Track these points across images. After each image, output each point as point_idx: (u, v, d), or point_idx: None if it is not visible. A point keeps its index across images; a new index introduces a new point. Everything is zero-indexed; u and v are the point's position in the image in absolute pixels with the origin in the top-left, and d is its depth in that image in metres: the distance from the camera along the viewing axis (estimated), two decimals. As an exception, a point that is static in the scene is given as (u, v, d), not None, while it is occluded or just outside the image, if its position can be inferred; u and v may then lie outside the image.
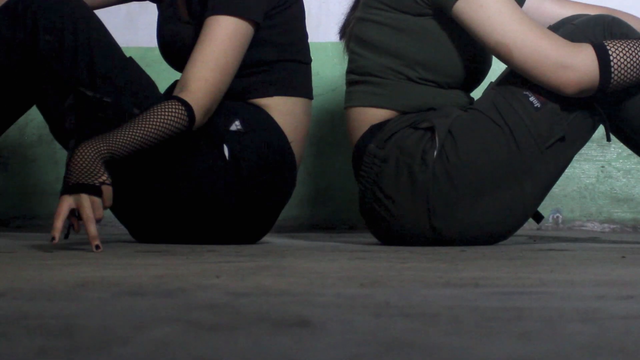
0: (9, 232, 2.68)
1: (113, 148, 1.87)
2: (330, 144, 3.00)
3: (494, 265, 1.47)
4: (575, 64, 1.97)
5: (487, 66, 2.17)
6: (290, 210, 2.78)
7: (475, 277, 1.23)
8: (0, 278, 1.20)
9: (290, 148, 2.08)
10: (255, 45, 2.06)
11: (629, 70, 1.98)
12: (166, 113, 1.91)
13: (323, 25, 2.89)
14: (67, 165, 1.85)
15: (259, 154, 2.04)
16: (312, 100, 2.20)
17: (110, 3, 2.30)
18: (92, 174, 1.83)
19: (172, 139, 1.93)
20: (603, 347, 0.70)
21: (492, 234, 2.07)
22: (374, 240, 2.15)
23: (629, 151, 2.72)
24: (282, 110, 2.10)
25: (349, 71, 2.19)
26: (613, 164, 2.99)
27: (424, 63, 2.09)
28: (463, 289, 1.09)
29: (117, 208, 2.08)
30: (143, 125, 1.89)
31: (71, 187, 1.81)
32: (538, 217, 2.16)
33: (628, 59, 1.97)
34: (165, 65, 2.25)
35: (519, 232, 2.32)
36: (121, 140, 1.88)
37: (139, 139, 1.89)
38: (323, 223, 3.02)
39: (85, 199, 1.80)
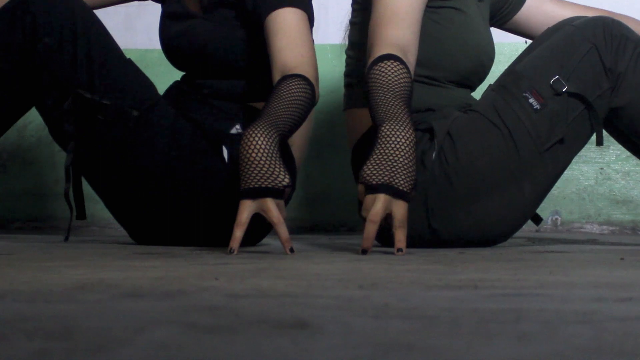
0: (7, 234, 2.68)
1: (282, 132, 1.77)
2: (329, 146, 3.00)
3: (492, 267, 1.47)
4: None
5: (486, 58, 2.15)
6: (289, 212, 2.77)
7: (474, 279, 1.23)
8: (-1, 280, 1.20)
9: (290, 151, 2.08)
10: (255, 48, 2.06)
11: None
12: (295, 86, 1.84)
13: (322, 28, 2.90)
14: (242, 158, 1.72)
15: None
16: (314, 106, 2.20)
17: (110, 3, 2.30)
18: (275, 174, 1.71)
19: (306, 114, 1.85)
20: (602, 348, 0.70)
21: (491, 236, 2.07)
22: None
23: (628, 153, 2.72)
24: None
25: (346, 74, 2.20)
26: (612, 165, 3.00)
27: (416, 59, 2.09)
28: (462, 290, 1.09)
29: (117, 210, 2.08)
30: (289, 103, 1.81)
31: (253, 191, 1.70)
32: (537, 219, 2.16)
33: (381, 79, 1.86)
34: (163, 67, 2.25)
35: (517, 233, 2.32)
36: (284, 121, 1.78)
37: (295, 116, 1.81)
38: (322, 225, 3.02)
39: (271, 203, 1.70)
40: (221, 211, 2.01)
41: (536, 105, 2.01)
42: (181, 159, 1.99)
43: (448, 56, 2.10)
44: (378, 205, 1.70)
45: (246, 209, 1.71)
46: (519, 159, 2.01)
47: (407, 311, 0.90)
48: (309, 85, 1.87)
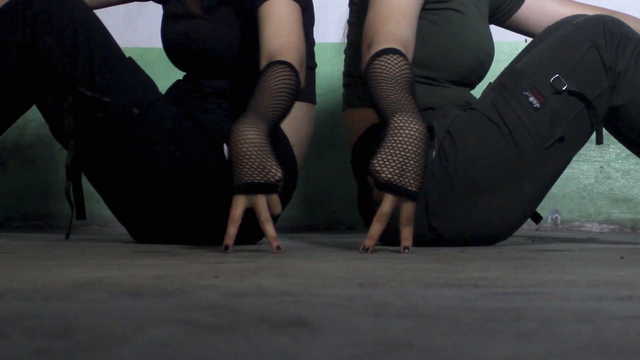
0: (7, 232, 2.68)
1: (270, 123, 1.77)
2: (329, 145, 3.00)
3: (492, 265, 1.47)
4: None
5: (485, 56, 2.15)
6: (289, 211, 2.78)
7: (474, 278, 1.23)
8: (-1, 278, 1.20)
9: (291, 151, 2.08)
10: (257, 47, 2.06)
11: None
12: (280, 74, 1.84)
13: (322, 26, 2.90)
14: (233, 153, 1.72)
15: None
16: (315, 105, 2.20)
17: (111, 3, 2.30)
18: (267, 169, 1.71)
19: (292, 101, 1.85)
20: (601, 347, 0.70)
21: (491, 235, 2.07)
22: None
23: (628, 152, 2.72)
24: None
25: (345, 74, 2.20)
26: (612, 164, 3.00)
27: (414, 60, 2.09)
28: (462, 289, 1.09)
29: (117, 208, 2.08)
30: (274, 92, 1.81)
31: (246, 187, 1.70)
32: (537, 218, 2.16)
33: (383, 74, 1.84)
34: (163, 65, 2.25)
35: (517, 232, 2.32)
36: (272, 112, 1.78)
37: (282, 105, 1.81)
38: (322, 223, 3.02)
39: (262, 200, 1.70)
40: (221, 210, 2.02)
41: (536, 104, 2.01)
42: (181, 157, 2.00)
43: (447, 57, 2.10)
44: (386, 206, 1.70)
45: (239, 205, 1.71)
46: (519, 157, 2.01)
47: (407, 310, 0.90)
48: (293, 71, 1.87)
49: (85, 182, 2.08)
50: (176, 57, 2.16)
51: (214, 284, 1.14)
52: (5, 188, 3.06)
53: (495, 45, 2.22)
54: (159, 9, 2.27)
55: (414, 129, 1.71)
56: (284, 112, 1.84)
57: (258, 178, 1.71)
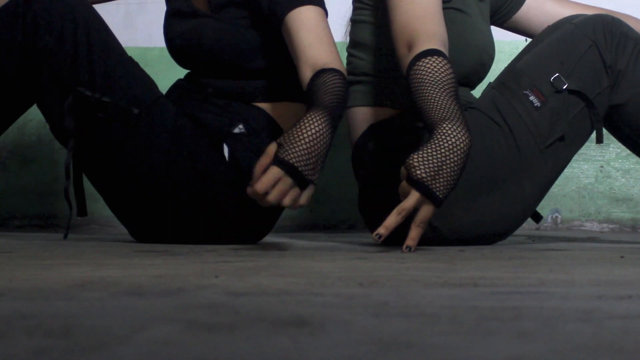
0: (7, 232, 2.68)
1: (335, 125, 1.80)
2: (329, 144, 3.00)
3: (492, 265, 1.47)
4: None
5: (487, 57, 2.15)
6: (289, 210, 2.78)
7: (474, 277, 1.23)
8: (-1, 278, 1.20)
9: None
10: (263, 49, 2.06)
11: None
12: (337, 81, 1.85)
13: (322, 25, 2.89)
14: (295, 133, 1.73)
15: (260, 156, 2.03)
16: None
17: None
18: (314, 166, 1.73)
19: (345, 107, 1.89)
20: (602, 346, 0.70)
21: (491, 234, 2.07)
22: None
23: (628, 151, 2.73)
24: (287, 115, 2.10)
25: (347, 72, 2.19)
26: (612, 163, 3.00)
27: None
28: (462, 288, 1.09)
29: (117, 208, 2.08)
30: (336, 96, 1.83)
31: (288, 165, 1.70)
32: (537, 217, 2.16)
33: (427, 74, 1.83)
34: (164, 65, 2.24)
35: (518, 232, 2.32)
36: (339, 113, 1.81)
37: (342, 109, 1.83)
38: (322, 223, 3.02)
39: (288, 184, 1.70)
40: (221, 209, 2.02)
41: (537, 103, 2.02)
42: (182, 157, 2.00)
43: (449, 56, 2.10)
44: (409, 201, 1.71)
45: (275, 175, 1.69)
46: (519, 156, 2.01)
47: (407, 309, 0.90)
48: (344, 78, 1.88)
49: (86, 181, 2.08)
50: (179, 56, 2.16)
51: (214, 283, 1.14)
52: (5, 188, 3.06)
53: (495, 45, 2.21)
54: (159, 9, 2.27)
55: (460, 140, 1.72)
56: (341, 118, 1.85)
57: (302, 166, 1.71)
